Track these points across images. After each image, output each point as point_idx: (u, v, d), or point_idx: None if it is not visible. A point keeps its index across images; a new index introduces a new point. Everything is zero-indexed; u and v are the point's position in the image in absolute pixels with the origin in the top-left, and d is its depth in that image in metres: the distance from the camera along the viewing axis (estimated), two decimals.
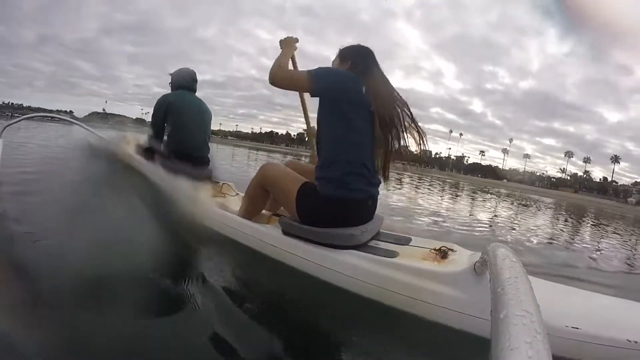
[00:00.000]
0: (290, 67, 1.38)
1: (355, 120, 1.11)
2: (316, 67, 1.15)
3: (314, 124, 1.60)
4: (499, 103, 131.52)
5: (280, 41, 1.36)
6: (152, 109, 2.15)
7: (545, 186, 65.19)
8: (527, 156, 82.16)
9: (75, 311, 0.85)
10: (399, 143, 1.18)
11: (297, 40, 1.38)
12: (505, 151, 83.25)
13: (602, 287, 1.66)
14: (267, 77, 1.18)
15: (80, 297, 0.91)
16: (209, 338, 0.83)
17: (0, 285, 0.89)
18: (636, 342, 0.75)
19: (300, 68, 1.41)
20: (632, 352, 0.75)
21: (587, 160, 71.61)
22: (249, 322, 0.94)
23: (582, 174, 72.57)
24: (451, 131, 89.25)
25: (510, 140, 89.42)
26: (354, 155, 1.13)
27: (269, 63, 1.26)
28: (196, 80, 2.25)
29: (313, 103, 1.25)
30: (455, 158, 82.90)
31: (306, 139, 1.75)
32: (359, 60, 1.20)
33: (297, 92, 1.50)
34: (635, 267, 2.67)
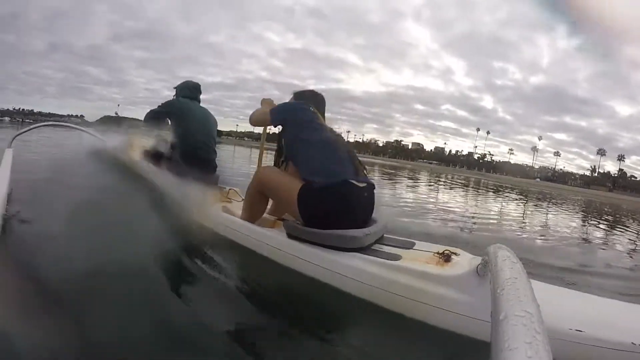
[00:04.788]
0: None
1: (313, 128, 1.32)
2: (275, 107, 1.47)
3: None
4: (509, 99, 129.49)
5: (262, 100, 1.67)
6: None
7: (578, 185, 63.01)
8: (557, 154, 79.02)
9: (79, 312, 0.86)
10: None
11: (272, 101, 1.67)
12: (534, 149, 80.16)
13: None
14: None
15: (85, 299, 0.92)
16: (212, 340, 0.84)
17: (11, 287, 0.91)
18: None
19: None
20: (636, 355, 0.75)
21: (621, 158, 68.51)
22: (252, 325, 0.95)
23: (613, 171, 69.21)
24: (478, 129, 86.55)
25: (540, 137, 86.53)
26: (324, 150, 1.27)
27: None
28: (200, 91, 2.33)
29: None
30: (480, 155, 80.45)
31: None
32: (307, 99, 1.50)
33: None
34: None
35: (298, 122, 1.38)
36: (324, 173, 1.21)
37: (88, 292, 0.96)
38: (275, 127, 1.51)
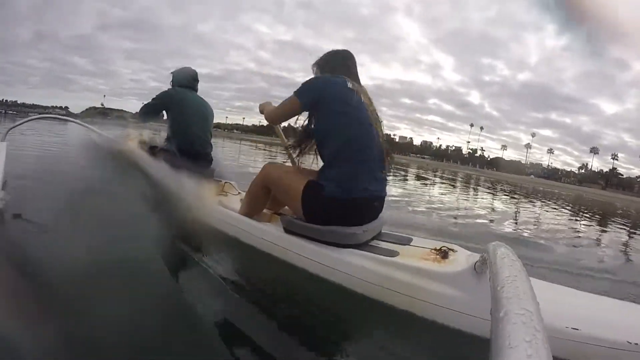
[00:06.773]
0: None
1: (351, 117, 1.15)
2: (299, 87, 1.20)
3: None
4: (496, 95, 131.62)
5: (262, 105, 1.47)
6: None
7: (571, 182, 63.48)
8: (550, 151, 79.59)
9: (76, 308, 0.85)
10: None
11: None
12: (528, 146, 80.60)
13: None
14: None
15: (83, 294, 0.91)
16: (208, 335, 0.83)
17: (6, 284, 0.90)
18: (636, 344, 0.75)
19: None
20: (632, 354, 0.75)
21: (614, 157, 69.22)
22: (248, 320, 0.94)
23: (598, 168, 70.55)
24: (472, 125, 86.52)
25: (533, 134, 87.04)
26: (357, 151, 1.14)
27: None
28: (197, 80, 2.27)
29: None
30: (471, 151, 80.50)
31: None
32: (336, 66, 1.27)
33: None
34: None
35: (336, 103, 1.15)
36: (344, 185, 1.12)
37: (81, 285, 0.95)
38: (305, 112, 1.25)
